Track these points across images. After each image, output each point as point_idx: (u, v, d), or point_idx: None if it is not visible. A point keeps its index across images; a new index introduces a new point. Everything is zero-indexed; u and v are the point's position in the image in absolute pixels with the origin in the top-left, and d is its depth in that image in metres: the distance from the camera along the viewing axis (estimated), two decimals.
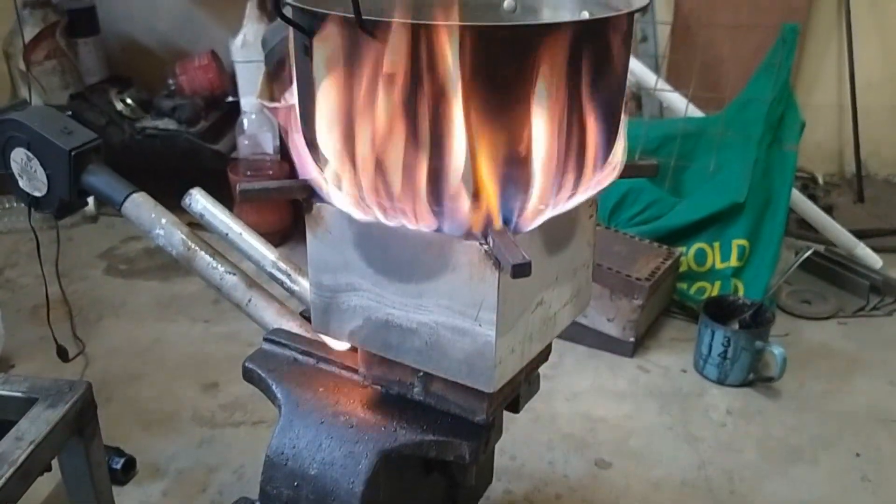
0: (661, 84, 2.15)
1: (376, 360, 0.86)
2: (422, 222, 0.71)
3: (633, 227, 1.91)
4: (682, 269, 1.86)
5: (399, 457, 0.85)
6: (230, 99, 2.36)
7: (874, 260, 2.03)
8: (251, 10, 2.15)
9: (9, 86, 2.39)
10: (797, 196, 2.07)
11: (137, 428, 1.48)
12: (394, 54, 0.63)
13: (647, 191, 1.96)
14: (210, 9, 2.50)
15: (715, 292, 1.82)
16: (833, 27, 2.47)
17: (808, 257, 1.74)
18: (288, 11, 0.71)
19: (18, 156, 1.12)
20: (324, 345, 0.95)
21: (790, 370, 1.59)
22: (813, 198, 2.27)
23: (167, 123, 2.25)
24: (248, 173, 2.09)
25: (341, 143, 0.69)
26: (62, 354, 1.49)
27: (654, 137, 2.04)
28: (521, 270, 0.65)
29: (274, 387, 0.92)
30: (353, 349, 0.90)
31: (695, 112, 2.11)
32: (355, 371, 0.90)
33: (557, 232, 0.80)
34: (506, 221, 0.73)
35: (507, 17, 0.88)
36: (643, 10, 0.76)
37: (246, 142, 2.12)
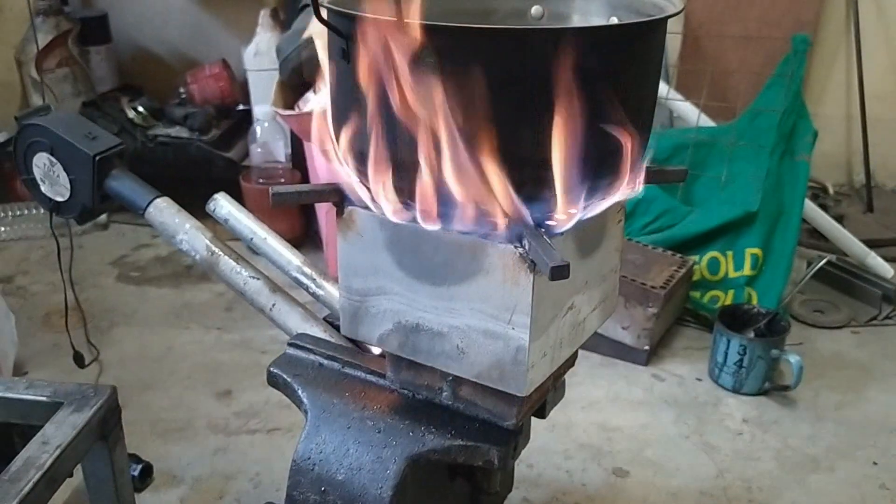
0: (672, 94, 2.15)
1: (404, 364, 0.86)
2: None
3: (646, 236, 1.91)
4: (696, 277, 1.86)
5: (426, 462, 0.85)
6: (241, 107, 2.37)
7: (885, 269, 2.03)
8: (264, 18, 2.16)
9: (21, 94, 2.39)
10: (809, 206, 2.07)
11: (152, 435, 1.47)
12: (434, 56, 0.63)
13: (659, 200, 1.96)
14: (221, 18, 2.51)
15: (728, 301, 1.81)
16: (842, 39, 2.48)
17: (820, 267, 1.74)
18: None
19: (41, 161, 1.12)
20: (350, 349, 0.95)
21: (804, 379, 1.59)
22: (823, 208, 2.28)
23: (179, 131, 2.26)
24: (261, 181, 2.09)
25: (382, 148, 0.70)
26: (79, 360, 1.49)
27: (665, 147, 2.04)
28: (560, 272, 0.65)
29: (300, 392, 0.91)
30: (381, 353, 0.90)
31: (706, 122, 2.12)
32: (382, 376, 0.90)
33: (588, 236, 0.80)
34: (539, 225, 0.73)
35: (536, 24, 0.89)
36: (673, 16, 0.77)
37: (258, 150, 2.12)
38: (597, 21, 0.85)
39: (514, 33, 0.69)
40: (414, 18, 0.65)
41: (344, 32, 0.69)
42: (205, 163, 2.20)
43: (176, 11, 2.51)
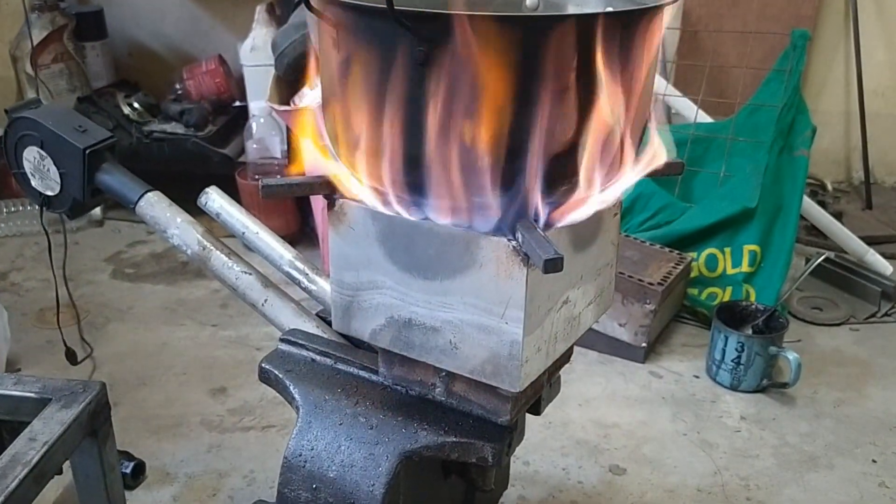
0: (670, 89, 2.14)
1: (397, 359, 0.85)
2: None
3: (644, 233, 1.90)
4: (694, 274, 1.85)
5: (419, 459, 0.84)
6: (237, 103, 2.36)
7: (884, 266, 2.02)
8: (260, 14, 2.14)
9: (16, 89, 2.38)
10: (807, 202, 2.06)
11: (146, 432, 1.46)
12: (426, 44, 0.62)
13: (657, 196, 1.95)
14: (217, 14, 2.50)
15: (726, 298, 1.80)
16: (841, 34, 2.47)
17: (819, 263, 1.73)
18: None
19: (31, 154, 1.11)
20: (342, 345, 0.94)
21: (803, 376, 1.58)
22: (822, 204, 2.27)
23: (175, 127, 2.25)
24: (257, 177, 2.08)
25: (371, 137, 0.68)
26: (71, 357, 1.48)
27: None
28: (553, 265, 0.64)
29: (292, 388, 0.90)
30: (373, 349, 0.89)
31: (704, 118, 2.10)
32: (375, 371, 0.89)
33: (583, 230, 0.79)
34: (534, 217, 0.72)
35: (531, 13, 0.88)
36: (670, 4, 0.75)
37: (254, 146, 2.11)
38: (592, 10, 0.84)
39: (509, 21, 0.67)
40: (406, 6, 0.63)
41: (334, 21, 0.68)
42: (201, 159, 2.19)
43: (172, 7, 2.50)
